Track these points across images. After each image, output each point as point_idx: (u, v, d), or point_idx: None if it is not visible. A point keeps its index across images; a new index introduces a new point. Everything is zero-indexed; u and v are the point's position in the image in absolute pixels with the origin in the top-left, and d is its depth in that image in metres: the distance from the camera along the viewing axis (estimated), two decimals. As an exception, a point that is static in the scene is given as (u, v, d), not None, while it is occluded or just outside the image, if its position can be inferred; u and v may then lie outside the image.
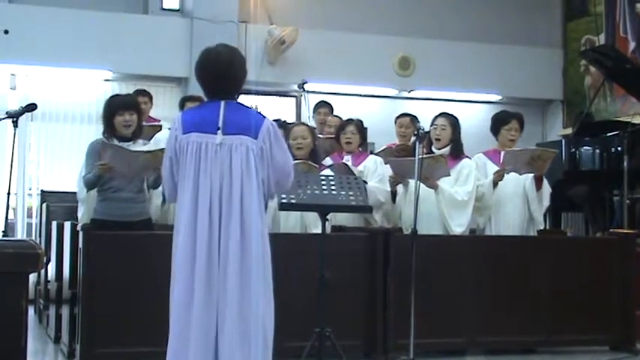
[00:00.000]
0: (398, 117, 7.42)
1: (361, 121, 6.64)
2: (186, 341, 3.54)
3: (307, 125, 6.39)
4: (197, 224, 3.58)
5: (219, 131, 3.64)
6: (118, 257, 5.05)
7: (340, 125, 6.59)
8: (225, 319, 3.53)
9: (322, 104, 7.87)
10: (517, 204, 6.12)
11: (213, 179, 3.60)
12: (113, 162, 5.16)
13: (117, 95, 5.92)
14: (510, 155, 6.04)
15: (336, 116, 7.47)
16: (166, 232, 5.14)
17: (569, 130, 9.67)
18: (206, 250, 3.56)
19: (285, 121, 7.13)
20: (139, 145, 5.42)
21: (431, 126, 6.00)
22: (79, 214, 6.16)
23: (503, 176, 6.03)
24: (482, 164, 6.23)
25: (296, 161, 5.66)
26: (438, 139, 6.05)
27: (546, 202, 6.17)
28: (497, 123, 6.30)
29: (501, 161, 6.11)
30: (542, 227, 6.36)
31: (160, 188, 5.82)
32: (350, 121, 6.53)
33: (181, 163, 3.66)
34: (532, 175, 6.06)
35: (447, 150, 6.04)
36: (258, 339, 3.58)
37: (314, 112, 7.80)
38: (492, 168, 6.14)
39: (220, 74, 3.71)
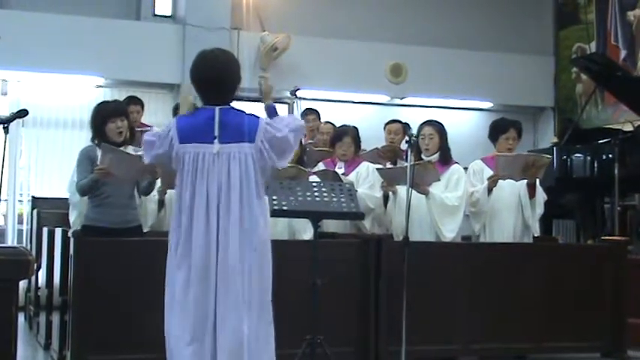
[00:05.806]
0: (387, 123, 7.37)
1: (357, 130, 6.62)
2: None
3: None
4: (193, 232, 3.57)
5: (216, 140, 3.64)
6: (109, 264, 5.02)
7: (337, 134, 6.56)
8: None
9: (309, 111, 7.87)
10: (512, 211, 6.11)
11: (210, 188, 3.59)
12: (112, 166, 5.12)
13: (106, 102, 5.85)
14: (504, 161, 6.03)
15: (328, 122, 7.45)
16: (157, 239, 5.17)
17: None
18: (203, 256, 3.55)
19: None
20: (130, 151, 5.39)
21: (418, 135, 5.99)
22: (71, 219, 6.12)
23: (497, 182, 6.04)
24: (479, 170, 6.23)
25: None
26: (427, 149, 6.05)
27: (540, 210, 6.16)
28: (496, 131, 6.28)
29: (495, 167, 6.10)
30: (537, 234, 6.35)
31: (152, 194, 5.82)
32: (346, 130, 6.52)
33: (178, 173, 3.67)
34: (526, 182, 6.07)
35: (435, 157, 6.05)
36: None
37: (302, 119, 7.79)
38: (489, 174, 6.11)
39: (216, 79, 3.70)
